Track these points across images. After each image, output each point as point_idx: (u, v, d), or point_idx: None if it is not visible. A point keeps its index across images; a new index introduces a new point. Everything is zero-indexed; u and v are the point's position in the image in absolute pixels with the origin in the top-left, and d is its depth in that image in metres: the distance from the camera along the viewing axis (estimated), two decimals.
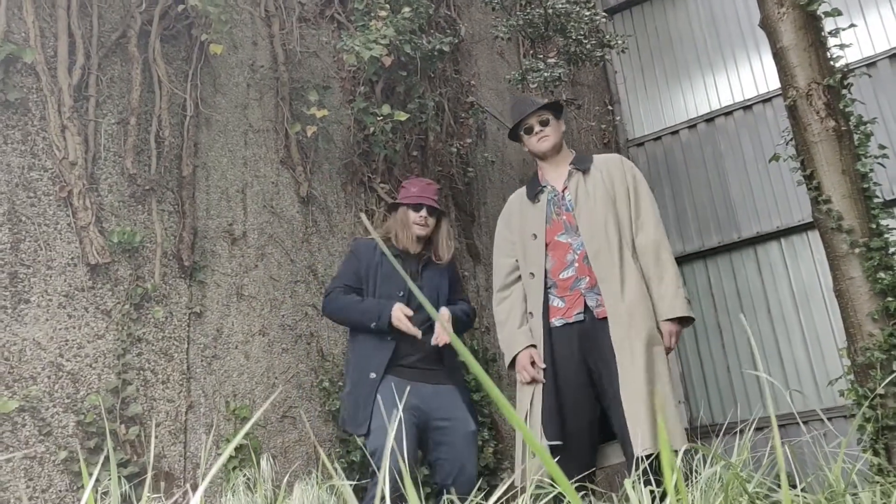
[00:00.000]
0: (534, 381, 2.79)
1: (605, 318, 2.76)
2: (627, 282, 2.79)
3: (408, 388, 2.83)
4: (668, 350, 2.78)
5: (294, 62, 4.12)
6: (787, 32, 3.62)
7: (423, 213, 3.11)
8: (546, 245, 2.92)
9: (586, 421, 2.74)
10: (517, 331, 2.89)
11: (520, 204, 3.09)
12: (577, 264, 2.85)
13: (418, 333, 2.85)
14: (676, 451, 2.58)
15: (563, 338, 2.81)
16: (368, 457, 2.77)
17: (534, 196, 3.02)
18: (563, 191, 2.98)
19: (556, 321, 2.83)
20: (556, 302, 2.86)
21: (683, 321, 2.84)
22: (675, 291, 2.80)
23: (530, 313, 2.90)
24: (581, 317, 2.80)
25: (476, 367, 0.40)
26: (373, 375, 2.88)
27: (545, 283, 2.88)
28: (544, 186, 3.03)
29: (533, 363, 2.81)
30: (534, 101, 3.11)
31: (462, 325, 3.12)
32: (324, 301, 3.09)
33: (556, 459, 2.67)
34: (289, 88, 4.00)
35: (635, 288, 2.78)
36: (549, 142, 3.02)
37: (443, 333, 2.91)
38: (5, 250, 2.67)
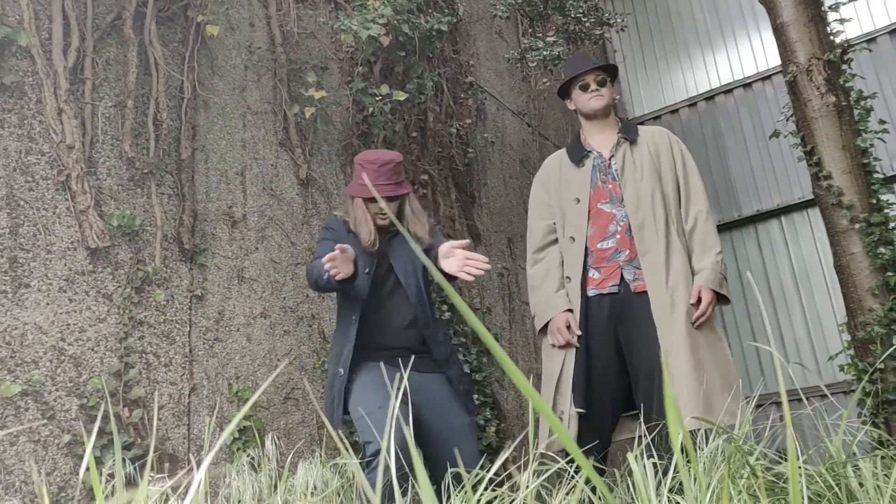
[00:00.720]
0: (567, 345, 2.74)
1: (643, 293, 2.72)
2: (672, 258, 2.73)
3: (396, 376, 2.55)
4: (698, 317, 2.65)
5: (291, 43, 4.09)
6: (786, 8, 3.59)
7: (382, 205, 2.47)
8: (588, 211, 2.86)
9: (612, 392, 2.71)
10: (554, 294, 2.81)
11: (559, 166, 3.00)
12: (618, 236, 2.79)
13: (346, 249, 2.40)
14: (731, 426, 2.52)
15: (596, 308, 2.77)
16: (363, 446, 2.44)
17: (578, 160, 2.94)
18: (609, 158, 2.91)
19: (590, 290, 2.79)
20: (591, 272, 2.81)
21: (720, 298, 2.75)
22: (713, 266, 2.73)
23: (567, 278, 2.84)
24: (616, 289, 2.76)
25: (475, 321, 0.39)
26: (340, 372, 2.60)
27: (585, 249, 2.82)
28: (590, 151, 2.95)
29: (568, 327, 2.75)
30: (594, 59, 3.02)
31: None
32: (307, 271, 2.69)
33: (581, 427, 2.66)
34: (286, 70, 3.98)
35: (680, 264, 2.72)
36: (602, 101, 2.93)
37: (471, 263, 2.43)
38: (4, 235, 2.66)
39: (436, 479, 2.54)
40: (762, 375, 6.52)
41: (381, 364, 2.48)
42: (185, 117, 3.38)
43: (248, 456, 2.75)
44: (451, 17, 4.72)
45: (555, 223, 2.94)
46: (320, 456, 1.99)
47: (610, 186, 2.86)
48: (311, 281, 2.65)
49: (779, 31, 3.64)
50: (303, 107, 3.88)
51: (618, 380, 2.72)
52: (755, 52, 7.49)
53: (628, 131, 2.95)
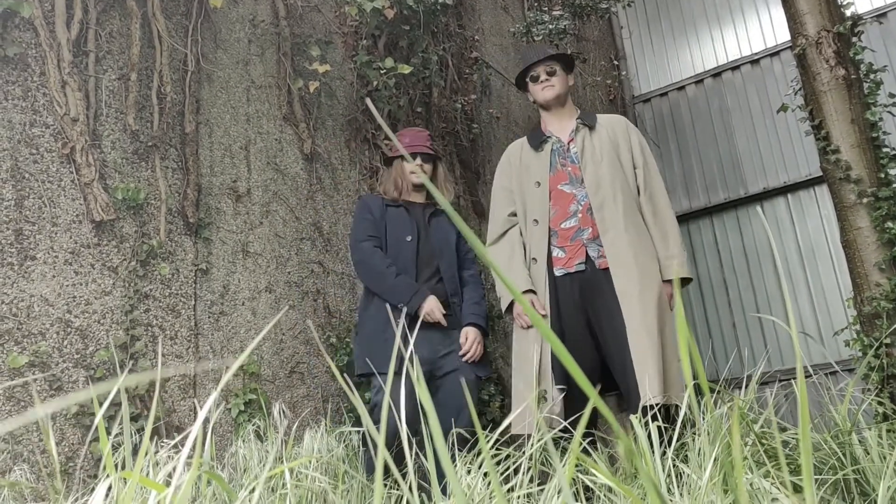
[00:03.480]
0: (531, 326, 2.82)
1: (607, 269, 2.77)
2: (632, 235, 2.79)
3: (417, 337, 2.92)
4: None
5: (295, 17, 4.06)
6: None
7: (418, 160, 3.17)
8: (549, 193, 2.92)
9: (587, 369, 2.77)
10: (516, 276, 2.90)
11: (520, 153, 3.08)
12: (580, 215, 2.85)
13: (444, 321, 2.97)
14: (678, 406, 2.61)
15: (565, 287, 2.83)
16: (366, 412, 2.79)
17: (537, 145, 3.01)
18: (568, 143, 2.98)
19: (557, 270, 2.84)
20: (556, 252, 2.86)
21: (683, 281, 2.88)
22: (680, 252, 2.84)
23: (534, 259, 2.90)
24: (582, 267, 2.81)
25: (477, 245, 0.39)
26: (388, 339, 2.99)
27: (549, 230, 2.88)
28: (549, 136, 3.02)
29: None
30: (544, 49, 3.08)
31: (483, 310, 3.17)
32: (354, 251, 3.17)
33: (564, 404, 2.70)
34: (290, 44, 3.95)
35: (639, 242, 2.79)
36: (552, 91, 3.01)
37: (473, 348, 3.00)
38: (10, 207, 2.66)
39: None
40: (766, 350, 6.52)
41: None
42: (189, 91, 3.37)
43: (253, 426, 2.77)
44: None
45: (514, 211, 3.04)
46: (325, 425, 2.00)
47: (570, 169, 2.91)
48: (368, 271, 3.10)
49: (788, 3, 3.59)
50: (307, 81, 3.86)
51: (592, 358, 2.80)
52: (763, 28, 7.41)
53: (587, 118, 3.03)
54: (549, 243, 2.88)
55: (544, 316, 2.81)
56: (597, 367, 2.81)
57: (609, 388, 2.85)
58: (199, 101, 3.45)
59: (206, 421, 3.04)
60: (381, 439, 0.47)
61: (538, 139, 3.04)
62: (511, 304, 2.91)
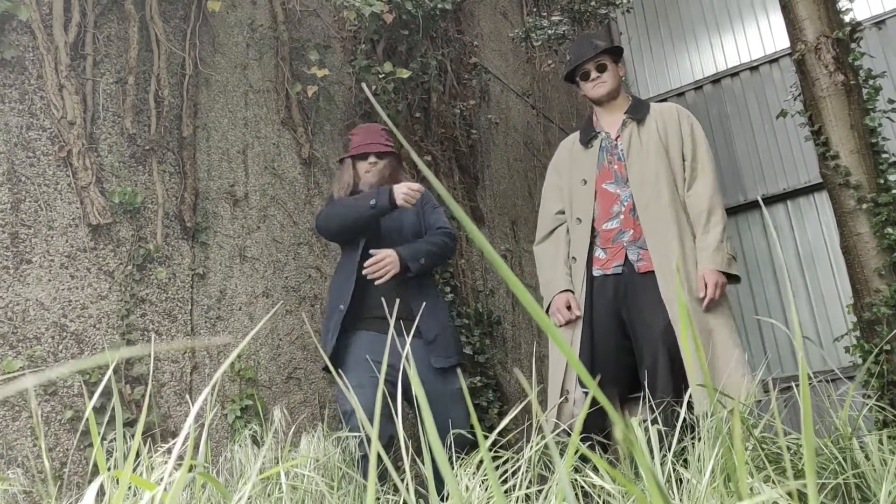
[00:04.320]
0: (568, 323, 2.76)
1: (648, 273, 2.70)
2: (678, 237, 2.70)
3: (386, 343, 2.73)
4: (708, 300, 2.64)
5: (294, 21, 4.06)
6: None
7: (371, 158, 2.99)
8: (594, 192, 2.85)
9: (617, 373, 2.70)
10: (556, 274, 2.85)
11: (570, 149, 3.01)
12: (622, 216, 2.78)
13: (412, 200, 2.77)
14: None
15: (600, 288, 2.77)
16: (342, 419, 2.69)
17: (587, 141, 2.94)
18: (616, 139, 2.90)
19: (595, 271, 2.79)
20: (597, 252, 2.81)
21: (730, 278, 2.72)
22: (718, 245, 2.69)
23: (573, 258, 2.84)
24: (619, 269, 2.75)
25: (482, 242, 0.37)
26: (341, 307, 2.81)
27: (592, 230, 2.82)
28: (598, 132, 2.94)
29: (569, 308, 2.77)
30: (593, 43, 2.98)
31: (432, 256, 2.91)
32: (316, 222, 3.00)
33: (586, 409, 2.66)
34: (289, 48, 3.95)
35: (687, 244, 2.71)
36: (605, 87, 2.93)
37: (374, 268, 2.78)
38: (6, 210, 2.65)
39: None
40: (765, 356, 6.50)
41: (374, 332, 2.78)
42: (187, 95, 3.36)
43: (250, 430, 2.75)
44: None
45: (563, 209, 2.96)
46: (322, 430, 1.98)
47: (616, 167, 2.84)
48: (328, 216, 2.91)
49: (787, 9, 3.59)
50: (305, 85, 3.86)
51: (623, 360, 2.71)
52: (762, 35, 7.43)
53: (636, 110, 2.93)
54: (592, 243, 2.82)
55: (579, 317, 2.76)
56: (625, 372, 2.72)
57: (634, 390, 2.77)
58: (197, 105, 3.44)
59: (202, 425, 3.02)
60: (374, 434, 0.46)
61: (588, 135, 2.95)
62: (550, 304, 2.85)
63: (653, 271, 2.69)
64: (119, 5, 3.20)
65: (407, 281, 2.87)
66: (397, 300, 2.79)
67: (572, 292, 2.78)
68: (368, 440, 2.38)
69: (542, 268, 2.92)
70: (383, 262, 2.79)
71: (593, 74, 2.93)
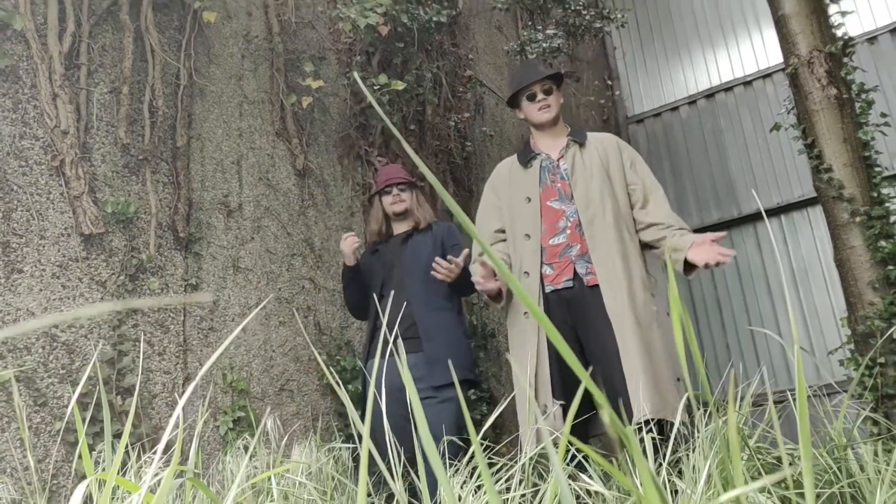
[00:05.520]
0: (521, 342, 2.80)
1: (596, 286, 2.74)
2: (622, 253, 2.77)
3: (394, 365, 2.93)
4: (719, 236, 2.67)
5: (289, 33, 4.07)
6: (788, 0, 3.57)
7: (395, 191, 3.28)
8: (539, 209, 2.90)
9: (579, 387, 2.73)
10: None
11: (509, 170, 3.08)
12: (569, 231, 2.83)
13: (351, 248, 3.15)
14: (672, 423, 2.58)
15: (554, 304, 2.81)
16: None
17: (526, 162, 3.01)
18: (558, 160, 2.97)
19: (546, 287, 2.83)
20: (544, 268, 2.84)
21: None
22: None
23: (526, 273, 2.87)
24: (570, 283, 2.79)
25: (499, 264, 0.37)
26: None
27: (540, 246, 2.86)
28: (538, 153, 3.02)
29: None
30: (539, 69, 3.08)
31: (471, 287, 3.02)
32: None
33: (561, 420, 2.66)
34: (284, 59, 3.95)
35: (632, 260, 2.77)
36: (550, 112, 3.00)
37: (444, 269, 2.89)
38: None
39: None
40: (759, 368, 6.49)
41: (382, 358, 2.89)
42: (181, 105, 3.36)
43: (242, 440, 2.73)
44: (450, 10, 4.70)
45: (503, 227, 3.02)
46: (315, 441, 1.97)
47: (559, 185, 2.91)
48: (344, 291, 3.35)
49: (780, 24, 3.62)
50: (300, 97, 3.86)
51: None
52: (756, 50, 7.48)
53: (577, 135, 3.03)
54: (541, 259, 2.85)
55: (544, 334, 2.78)
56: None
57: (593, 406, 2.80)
58: (192, 116, 3.43)
59: (193, 435, 2.99)
60: (365, 430, 0.45)
61: (527, 156, 3.03)
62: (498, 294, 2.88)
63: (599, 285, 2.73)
64: (114, 16, 3.20)
65: (420, 302, 3.06)
66: (397, 316, 3.05)
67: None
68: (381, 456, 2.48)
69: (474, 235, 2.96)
70: (451, 268, 2.92)
71: (540, 96, 3.01)
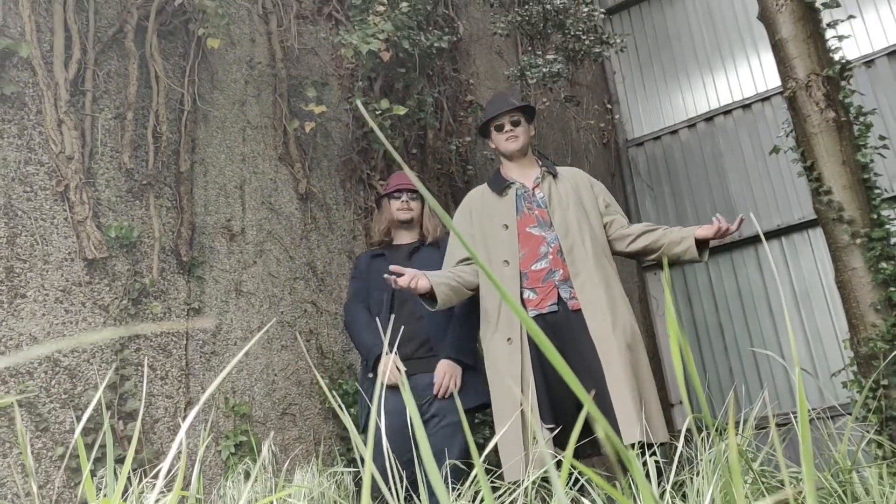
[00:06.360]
0: (502, 368, 2.82)
1: (579, 311, 2.77)
2: (603, 278, 2.81)
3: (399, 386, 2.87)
4: (727, 231, 2.77)
5: (292, 59, 4.11)
6: (785, 24, 3.61)
7: (404, 197, 3.27)
8: (517, 235, 2.92)
9: (571, 411, 2.75)
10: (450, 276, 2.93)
11: (481, 198, 3.11)
12: (551, 256, 2.86)
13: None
14: (662, 444, 2.60)
15: (540, 328, 2.81)
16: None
17: (500, 190, 3.04)
18: (533, 188, 3.01)
19: (529, 311, 2.83)
20: (527, 293, 2.85)
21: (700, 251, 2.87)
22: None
23: None
24: (555, 308, 2.81)
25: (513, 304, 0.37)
26: (370, 375, 3.01)
27: (520, 272, 2.88)
28: (512, 182, 3.05)
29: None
30: (509, 100, 3.14)
31: (472, 337, 3.12)
32: (344, 311, 3.36)
33: (555, 445, 2.66)
34: (287, 85, 3.99)
35: (609, 283, 2.81)
36: (517, 143, 3.07)
37: (444, 382, 2.97)
38: (1, 244, 2.65)
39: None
40: (762, 390, 6.47)
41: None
42: (185, 130, 3.39)
43: (244, 465, 2.72)
44: (451, 36, 4.75)
45: (469, 257, 3.03)
46: (317, 466, 1.96)
47: (537, 212, 2.95)
48: (348, 327, 3.28)
49: (777, 48, 3.65)
50: (303, 122, 3.89)
51: (571, 399, 2.76)
52: (754, 74, 7.53)
53: (550, 166, 3.11)
54: (521, 285, 2.87)
55: (533, 357, 2.80)
56: (575, 409, 2.77)
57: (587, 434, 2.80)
58: (195, 141, 3.46)
59: (196, 460, 2.98)
60: (368, 454, 0.45)
61: (501, 184, 3.07)
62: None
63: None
64: (119, 43, 3.24)
65: (433, 319, 3.05)
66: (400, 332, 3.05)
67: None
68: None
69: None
70: (444, 376, 2.96)
71: (507, 127, 3.07)
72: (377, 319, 3.11)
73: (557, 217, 2.90)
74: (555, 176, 3.05)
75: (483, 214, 3.04)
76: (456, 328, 3.07)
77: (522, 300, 2.85)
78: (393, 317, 3.05)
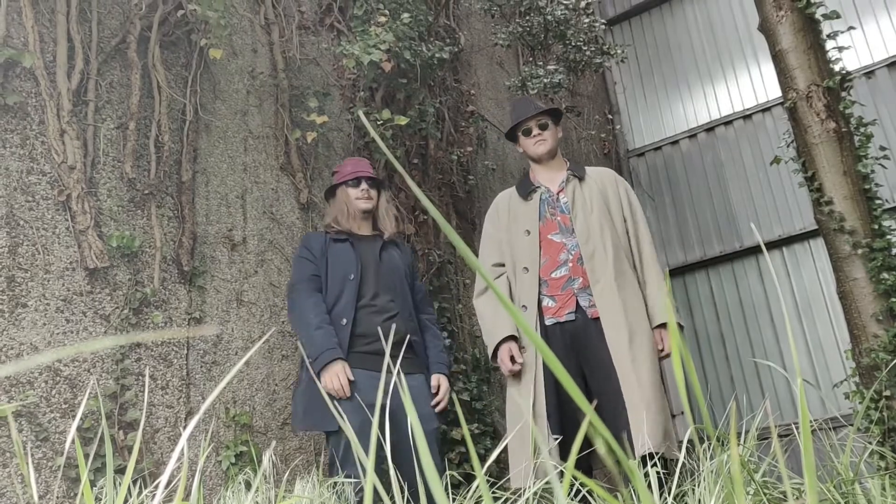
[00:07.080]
0: (520, 373, 2.82)
1: (598, 318, 2.76)
2: (623, 286, 2.80)
3: (379, 382, 2.69)
4: (664, 354, 2.82)
5: (294, 69, 4.13)
6: (785, 35, 3.62)
7: (363, 185, 3.04)
8: (538, 242, 2.93)
9: (582, 420, 2.73)
10: (498, 323, 2.88)
11: (508, 202, 3.11)
12: (570, 264, 2.86)
13: (343, 393, 2.65)
14: (675, 459, 2.59)
15: (555, 336, 2.81)
16: (339, 465, 2.56)
17: (526, 194, 3.04)
18: (558, 193, 3.01)
19: (547, 319, 2.83)
20: (546, 301, 2.85)
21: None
22: (665, 300, 2.85)
23: (524, 306, 2.89)
24: (573, 316, 2.81)
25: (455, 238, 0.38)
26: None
27: (539, 279, 2.88)
28: (538, 186, 3.05)
29: (512, 358, 2.81)
30: (535, 104, 3.14)
31: (448, 358, 3.11)
32: (288, 293, 2.93)
33: (561, 454, 2.65)
34: (288, 95, 4.00)
35: (629, 291, 2.80)
36: (545, 146, 3.06)
37: (445, 397, 2.90)
38: (3, 254, 2.65)
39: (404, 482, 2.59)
40: (763, 401, 6.45)
41: (367, 371, 2.72)
42: (187, 140, 3.39)
43: (244, 475, 2.71)
44: (452, 47, 4.77)
45: (502, 261, 3.04)
46: (317, 476, 1.96)
47: (559, 218, 2.94)
48: (293, 316, 2.90)
49: (778, 58, 3.66)
50: (304, 132, 3.90)
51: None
52: (754, 84, 7.55)
53: (577, 169, 3.09)
54: (539, 292, 2.87)
55: (520, 365, 2.81)
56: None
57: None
58: (197, 151, 3.47)
59: (196, 470, 2.97)
60: (370, 464, 0.45)
61: (527, 189, 3.07)
62: (496, 351, 2.88)
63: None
64: (122, 53, 3.25)
65: (405, 319, 2.90)
66: (392, 329, 2.80)
67: (516, 339, 2.83)
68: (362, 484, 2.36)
69: (484, 318, 2.98)
70: (448, 392, 2.89)
71: (535, 131, 3.07)
72: (331, 312, 2.81)
73: (579, 222, 2.89)
74: (581, 179, 3.03)
75: (509, 219, 3.05)
76: (439, 340, 3.03)
77: (541, 308, 2.85)
78: (358, 312, 2.82)
